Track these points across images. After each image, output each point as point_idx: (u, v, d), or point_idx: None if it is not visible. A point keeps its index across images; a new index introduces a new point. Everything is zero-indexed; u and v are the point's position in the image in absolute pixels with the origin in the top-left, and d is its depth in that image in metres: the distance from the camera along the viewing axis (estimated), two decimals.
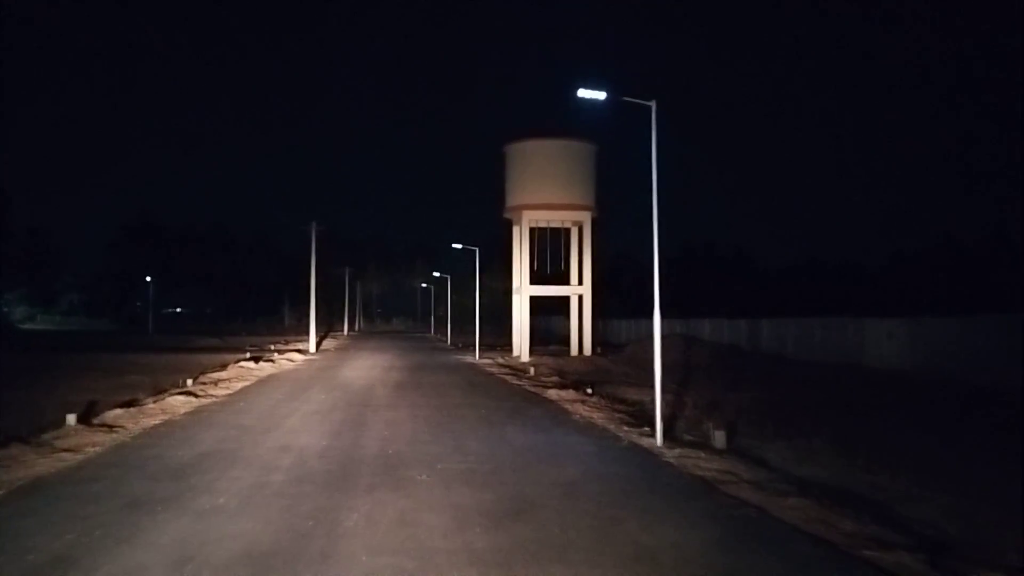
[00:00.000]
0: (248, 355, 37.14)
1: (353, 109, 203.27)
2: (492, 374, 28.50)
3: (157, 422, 14.76)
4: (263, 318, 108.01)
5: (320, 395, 19.97)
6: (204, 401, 18.14)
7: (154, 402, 17.32)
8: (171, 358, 36.94)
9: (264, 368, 28.77)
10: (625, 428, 14.41)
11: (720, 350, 41.03)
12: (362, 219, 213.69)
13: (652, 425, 15.23)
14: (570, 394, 19.88)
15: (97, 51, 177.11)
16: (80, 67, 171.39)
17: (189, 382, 22.39)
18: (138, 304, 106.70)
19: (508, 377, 26.89)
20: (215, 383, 22.69)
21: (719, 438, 12.69)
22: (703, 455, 11.54)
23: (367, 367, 31.47)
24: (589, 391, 20.83)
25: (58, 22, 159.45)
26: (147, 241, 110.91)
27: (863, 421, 16.05)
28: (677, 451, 11.92)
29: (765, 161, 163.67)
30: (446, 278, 61.98)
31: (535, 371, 28.97)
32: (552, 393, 20.28)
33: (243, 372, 26.59)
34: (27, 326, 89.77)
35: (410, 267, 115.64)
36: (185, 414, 16.03)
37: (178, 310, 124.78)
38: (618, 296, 67.48)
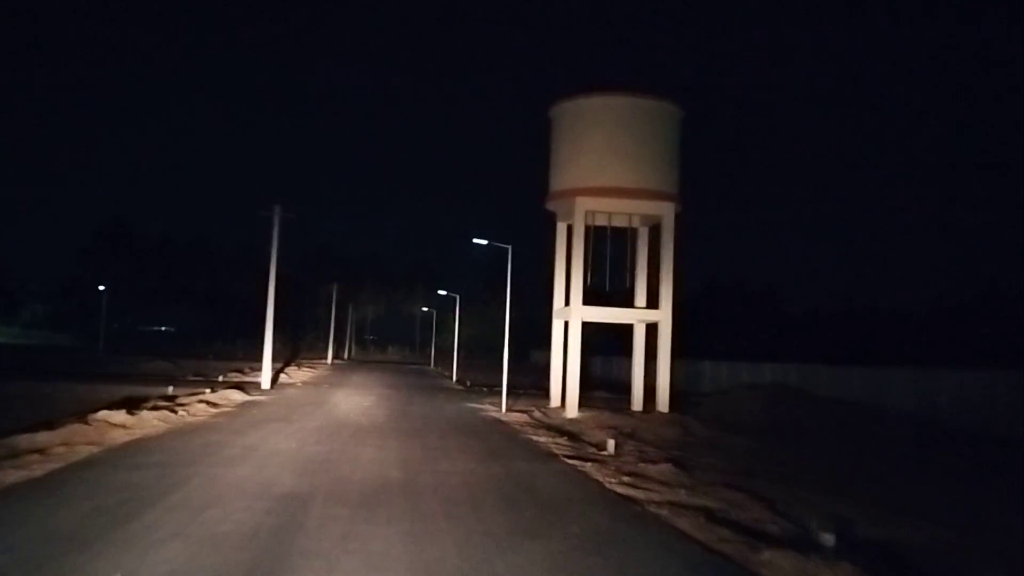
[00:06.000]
0: (171, 389, 25.90)
1: (348, 104, 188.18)
2: (552, 454, 15.93)
3: None
4: (243, 339, 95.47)
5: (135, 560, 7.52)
6: None
7: None
8: (70, 389, 26.20)
9: (146, 422, 16.41)
10: None
11: (835, 409, 29.17)
12: (358, 235, 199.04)
13: None
14: (798, 562, 7.52)
15: (73, 47, 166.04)
16: (53, 64, 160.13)
17: None
18: (115, 322, 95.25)
19: (577, 462, 14.47)
20: None
21: None
22: None
23: (329, 427, 19.04)
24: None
25: (29, 17, 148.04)
26: (119, 251, 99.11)
27: None
28: None
29: (796, 199, 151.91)
30: (453, 298, 49.89)
31: (613, 445, 16.70)
32: (769, 558, 7.85)
33: (89, 434, 14.29)
34: None
35: (410, 290, 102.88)
36: None
37: (163, 328, 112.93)
38: None
